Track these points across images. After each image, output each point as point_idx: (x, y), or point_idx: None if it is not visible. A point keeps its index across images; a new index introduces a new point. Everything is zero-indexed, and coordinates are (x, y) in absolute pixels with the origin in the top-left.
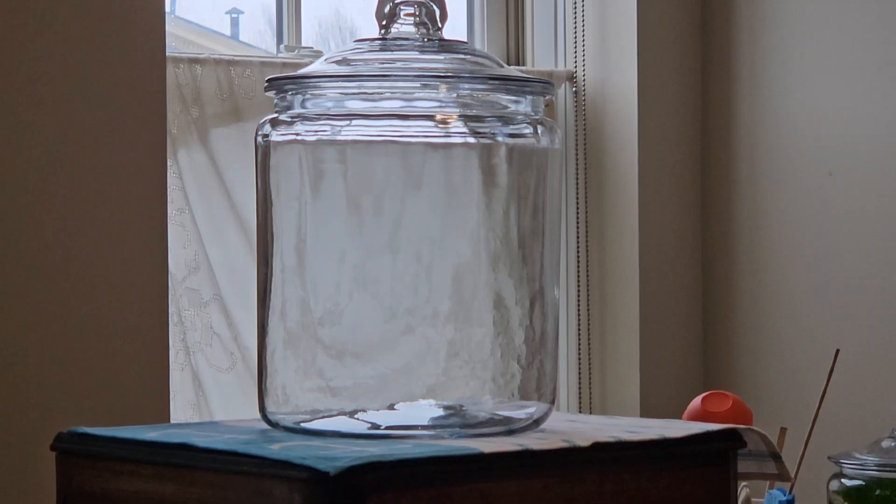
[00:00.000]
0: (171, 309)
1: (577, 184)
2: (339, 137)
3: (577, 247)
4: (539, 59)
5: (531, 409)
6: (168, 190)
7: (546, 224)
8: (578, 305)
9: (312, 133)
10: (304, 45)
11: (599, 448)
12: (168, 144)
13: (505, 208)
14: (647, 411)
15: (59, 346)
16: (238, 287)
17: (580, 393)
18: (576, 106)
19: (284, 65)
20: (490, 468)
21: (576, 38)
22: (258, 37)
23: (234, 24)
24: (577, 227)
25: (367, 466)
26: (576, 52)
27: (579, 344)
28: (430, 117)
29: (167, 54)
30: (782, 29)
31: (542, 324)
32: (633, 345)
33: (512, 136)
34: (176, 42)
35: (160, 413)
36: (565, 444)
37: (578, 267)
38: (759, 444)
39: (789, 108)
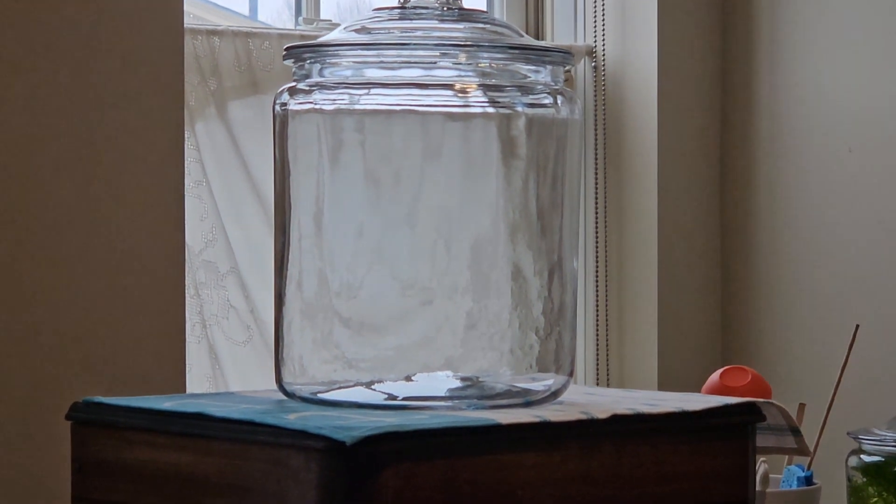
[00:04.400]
0: (188, 282)
1: (597, 159)
2: (357, 106)
3: (596, 219)
4: (558, 34)
5: (549, 381)
6: (185, 162)
7: (565, 195)
8: (597, 278)
9: (330, 102)
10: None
11: (618, 420)
12: (185, 116)
13: (524, 179)
14: (666, 385)
15: (75, 318)
16: (255, 260)
17: (598, 366)
18: (595, 81)
19: (303, 37)
20: (507, 439)
21: (595, 12)
22: (276, 17)
23: (253, 4)
24: (596, 200)
25: (383, 436)
26: (595, 26)
27: (597, 316)
28: (450, 86)
29: (185, 25)
30: (803, 2)
31: (561, 295)
32: (652, 318)
33: (531, 105)
34: (193, 20)
35: (176, 386)
36: (583, 416)
37: (597, 239)
38: (778, 418)
39: (809, 82)
